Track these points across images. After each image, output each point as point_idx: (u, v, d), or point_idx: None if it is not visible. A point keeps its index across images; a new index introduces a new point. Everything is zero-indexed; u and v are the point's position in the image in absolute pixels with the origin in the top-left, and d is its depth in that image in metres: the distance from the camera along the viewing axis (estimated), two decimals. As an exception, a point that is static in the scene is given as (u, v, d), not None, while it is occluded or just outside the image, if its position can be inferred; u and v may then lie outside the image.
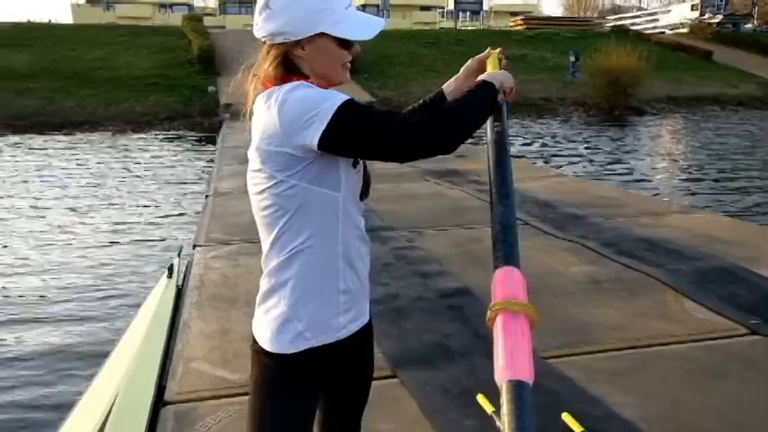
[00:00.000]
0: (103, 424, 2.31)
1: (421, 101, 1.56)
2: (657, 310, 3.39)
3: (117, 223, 7.50)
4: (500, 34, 33.81)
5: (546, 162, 12.18)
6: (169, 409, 2.46)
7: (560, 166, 11.47)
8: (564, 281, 3.91)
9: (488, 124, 1.33)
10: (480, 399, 2.26)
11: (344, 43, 1.26)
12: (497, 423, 2.09)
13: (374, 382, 2.48)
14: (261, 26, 1.24)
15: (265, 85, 1.25)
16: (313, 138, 1.15)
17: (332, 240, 1.26)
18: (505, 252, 1.07)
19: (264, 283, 1.30)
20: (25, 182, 10.35)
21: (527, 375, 0.91)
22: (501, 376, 0.91)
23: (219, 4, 44.96)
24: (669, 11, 43.79)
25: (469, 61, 1.54)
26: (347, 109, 1.16)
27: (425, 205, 6.30)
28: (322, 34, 1.23)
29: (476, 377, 2.58)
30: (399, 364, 2.76)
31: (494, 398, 2.14)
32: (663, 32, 37.13)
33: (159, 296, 3.73)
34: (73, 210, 8.28)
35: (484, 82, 1.35)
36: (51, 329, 4.29)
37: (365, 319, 1.39)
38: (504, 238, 1.09)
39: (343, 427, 1.51)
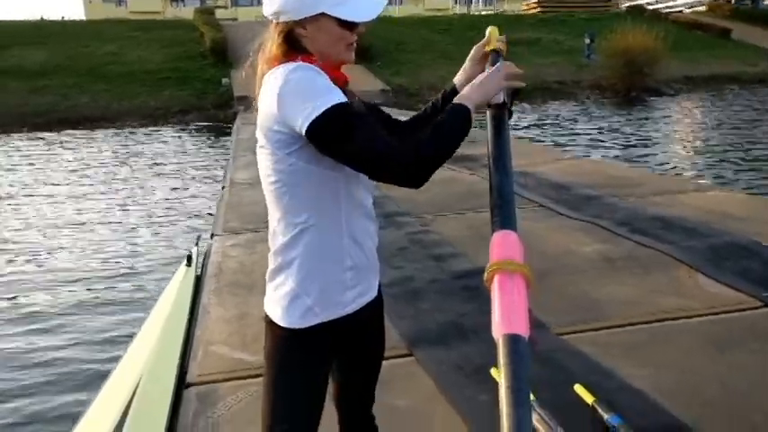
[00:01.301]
0: (129, 404, 2.40)
1: (430, 103, 1.55)
2: (671, 285, 3.39)
3: (135, 214, 7.64)
4: (513, 18, 33.42)
5: (561, 145, 12.09)
6: (191, 390, 2.54)
7: (576, 149, 11.39)
8: (577, 260, 3.92)
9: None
10: (494, 372, 2.32)
11: (347, 24, 1.27)
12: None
13: (391, 361, 2.58)
14: (267, 4, 1.29)
15: (272, 63, 1.28)
16: (302, 126, 1.17)
17: (335, 218, 1.29)
18: (503, 217, 1.11)
19: (273, 261, 1.35)
20: (45, 175, 10.55)
21: (523, 330, 0.94)
22: (498, 331, 0.95)
23: (230, -4, 45.00)
24: (686, -11, 42.88)
25: (473, 50, 1.51)
26: (340, 112, 1.17)
27: (440, 190, 6.31)
28: (323, 14, 1.25)
29: (490, 354, 2.60)
30: (415, 343, 2.81)
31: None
32: (680, 11, 36.41)
33: (179, 284, 3.82)
34: (92, 201, 8.44)
35: (460, 105, 1.27)
36: (74, 317, 4.43)
37: (373, 294, 1.43)
38: (502, 204, 1.13)
39: (356, 398, 1.56)
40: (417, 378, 2.54)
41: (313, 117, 1.15)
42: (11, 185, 9.94)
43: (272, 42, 1.29)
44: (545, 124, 15.69)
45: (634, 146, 11.93)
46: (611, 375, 2.46)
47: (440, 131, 1.21)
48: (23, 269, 5.68)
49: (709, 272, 3.53)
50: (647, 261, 3.81)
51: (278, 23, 1.28)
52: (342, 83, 1.30)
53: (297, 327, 1.31)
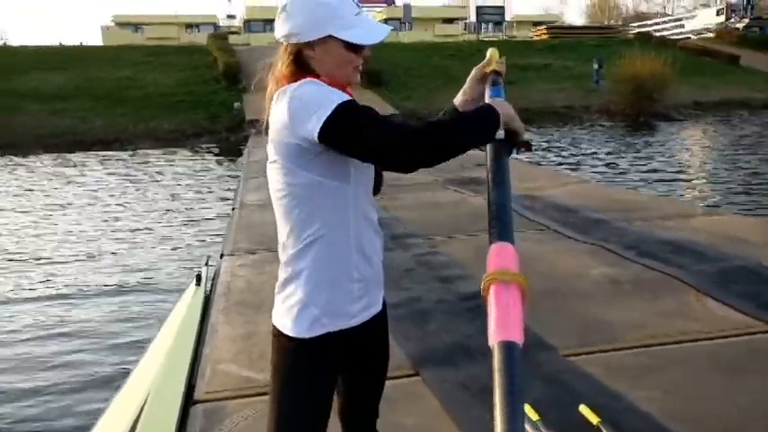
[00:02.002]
0: (136, 420, 2.42)
1: (435, 118, 1.57)
2: (678, 309, 3.38)
3: (146, 234, 7.73)
4: (522, 44, 33.79)
5: (569, 169, 12.12)
6: (198, 407, 2.55)
7: (583, 173, 11.41)
8: (584, 282, 3.92)
9: None
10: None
11: (353, 47, 1.33)
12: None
13: (397, 380, 2.60)
14: (279, 27, 1.35)
15: (281, 83, 1.34)
16: (314, 129, 1.22)
17: (344, 231, 1.33)
18: (500, 230, 1.14)
19: (282, 273, 1.38)
20: (58, 194, 10.71)
21: (517, 337, 0.97)
22: (493, 338, 0.97)
23: (244, 23, 45.90)
24: (694, 16, 43.21)
25: (473, 70, 1.52)
26: (349, 106, 1.23)
27: (447, 213, 6.35)
28: (331, 37, 1.31)
29: (495, 374, 2.62)
30: (421, 363, 2.81)
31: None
32: (688, 38, 36.65)
33: (188, 303, 3.85)
34: (106, 221, 8.55)
35: (489, 106, 1.31)
36: (84, 333, 4.49)
37: (378, 308, 1.46)
38: (499, 217, 1.17)
39: (361, 412, 1.58)
40: (423, 397, 2.54)
41: (324, 118, 1.21)
42: (28, 202, 10.09)
43: (281, 63, 1.35)
44: (553, 148, 15.74)
45: (642, 170, 11.94)
46: (617, 398, 2.45)
47: (458, 128, 1.27)
48: (34, 284, 5.75)
49: (717, 295, 3.52)
50: (654, 284, 3.80)
51: (288, 45, 1.34)
52: None
53: (304, 337, 1.34)
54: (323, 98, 1.24)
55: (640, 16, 59.28)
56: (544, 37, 36.60)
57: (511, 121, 1.29)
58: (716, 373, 2.65)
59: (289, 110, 1.26)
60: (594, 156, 14.17)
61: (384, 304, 1.51)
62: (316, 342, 1.35)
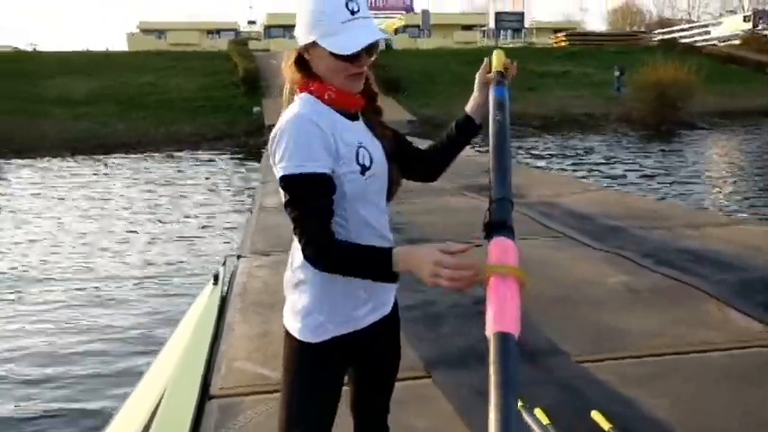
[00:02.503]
0: (153, 414, 2.46)
1: (444, 134, 1.56)
2: (697, 318, 3.34)
3: (165, 236, 7.85)
4: (541, 51, 33.69)
5: (588, 177, 12.04)
6: (214, 402, 2.59)
7: (602, 181, 11.32)
8: (600, 290, 3.90)
9: (490, 114, 1.40)
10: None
11: (340, 54, 1.28)
12: (525, 416, 2.14)
13: (409, 382, 2.61)
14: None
15: (292, 84, 1.37)
16: (276, 174, 1.30)
17: (342, 237, 1.34)
18: (501, 224, 1.15)
19: (291, 278, 1.42)
20: (81, 195, 10.91)
21: (513, 328, 0.98)
22: (489, 329, 0.99)
23: (264, 29, 46.39)
24: (720, 23, 42.58)
25: (477, 76, 1.50)
26: (285, 182, 1.28)
27: (463, 218, 6.33)
28: (317, 43, 1.29)
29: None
30: (433, 366, 2.83)
31: (522, 393, 2.20)
32: (714, 45, 36.16)
33: (205, 301, 3.91)
34: (130, 222, 8.71)
35: (384, 256, 1.25)
36: (105, 328, 4.60)
37: (387, 310, 1.48)
38: (500, 213, 1.18)
39: (371, 408, 1.60)
40: (435, 400, 2.55)
41: (279, 175, 1.28)
42: (54, 203, 10.30)
43: (288, 65, 1.37)
44: (571, 156, 15.66)
45: (663, 179, 11.81)
46: (630, 405, 2.44)
47: (349, 262, 1.27)
48: (58, 281, 5.87)
49: (739, 306, 3.47)
50: (673, 293, 3.77)
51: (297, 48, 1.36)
52: (353, 108, 1.37)
53: (310, 341, 1.38)
54: (289, 155, 1.27)
55: (664, 23, 58.56)
56: (563, 44, 36.42)
57: (411, 269, 1.22)
58: (734, 383, 2.62)
59: (272, 139, 1.30)
60: (614, 164, 14.05)
61: (395, 305, 1.53)
62: (321, 346, 1.38)
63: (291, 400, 1.40)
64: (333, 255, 1.27)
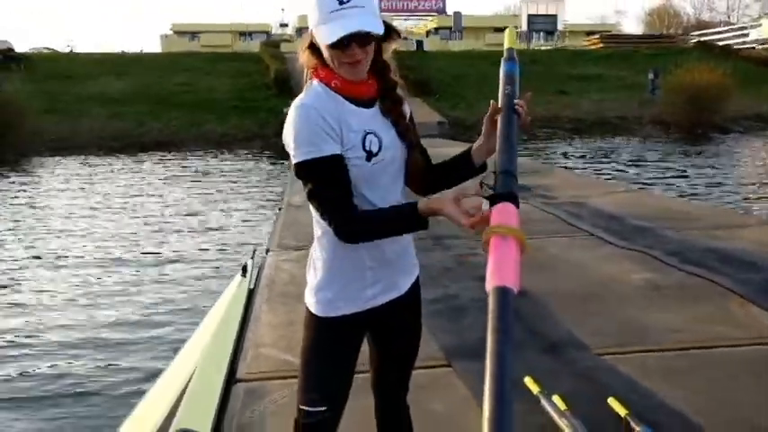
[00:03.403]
0: (181, 395, 2.57)
1: (451, 159, 1.53)
2: (720, 315, 3.32)
3: (198, 231, 8.06)
4: (574, 53, 33.30)
5: (619, 178, 11.88)
6: (240, 386, 2.69)
7: (634, 182, 11.17)
8: (624, 287, 3.89)
9: (500, 88, 1.44)
10: (528, 381, 2.36)
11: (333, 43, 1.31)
12: (542, 402, 2.18)
13: (429, 370, 2.67)
14: None
15: (307, 68, 1.43)
16: (292, 160, 1.37)
17: None
18: (504, 191, 1.20)
19: (310, 256, 1.52)
20: (119, 191, 11.24)
21: (511, 282, 1.02)
22: (488, 284, 1.03)
23: (296, 31, 46.89)
24: (759, 25, 41.42)
25: (485, 120, 1.44)
26: (304, 167, 1.34)
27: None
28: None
29: (527, 367, 2.65)
30: (453, 355, 2.88)
31: (541, 381, 2.23)
32: (752, 48, 35.21)
33: (233, 291, 4.03)
34: (161, 216, 8.96)
35: (413, 212, 1.33)
36: (138, 316, 4.79)
37: (400, 292, 1.53)
38: (504, 180, 1.23)
39: (390, 386, 1.68)
40: (454, 387, 2.60)
41: (294, 162, 1.36)
42: (90, 197, 10.64)
43: (300, 49, 1.43)
44: (602, 159, 15.47)
45: (695, 182, 11.59)
46: (649, 395, 2.45)
47: (377, 225, 1.37)
48: (93, 272, 6.08)
49: (763, 303, 3.43)
50: (697, 291, 3.74)
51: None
52: (360, 95, 1.40)
53: (322, 316, 1.47)
54: (298, 142, 1.33)
55: (702, 25, 57.11)
56: (598, 46, 35.92)
57: (441, 212, 1.30)
58: (755, 378, 2.60)
59: (285, 126, 1.37)
60: (645, 166, 13.84)
61: (414, 289, 1.58)
62: (332, 321, 1.46)
63: (309, 367, 1.49)
64: (359, 223, 1.35)
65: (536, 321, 3.30)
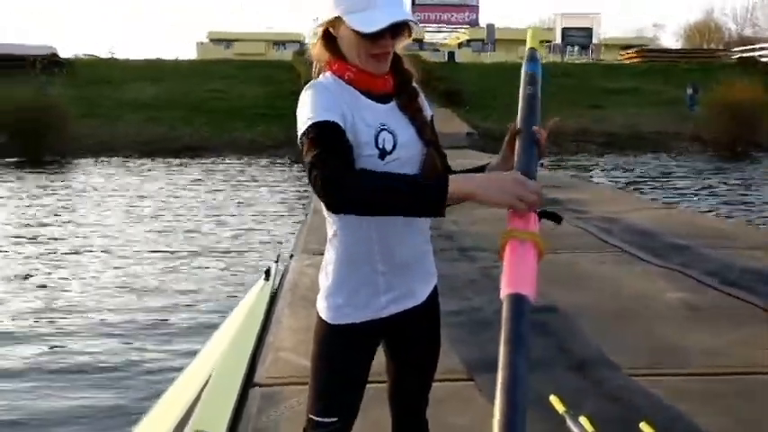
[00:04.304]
0: (198, 396, 2.54)
1: (466, 168, 1.46)
2: (761, 339, 3.15)
3: (225, 232, 8.15)
4: (609, 67, 32.85)
5: (654, 195, 11.60)
6: (257, 390, 2.65)
7: (669, 200, 10.89)
8: (658, 306, 3.74)
9: (521, 89, 1.35)
10: (553, 399, 2.25)
11: (363, 33, 1.23)
12: (568, 422, 2.08)
13: (450, 383, 2.59)
14: None
15: (318, 60, 1.36)
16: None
17: (363, 225, 1.32)
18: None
19: (324, 259, 1.44)
20: (149, 194, 11.43)
21: (528, 290, 0.96)
22: (503, 291, 0.96)
23: (329, 41, 47.32)
24: (804, 41, 40.16)
25: (504, 143, 1.36)
26: (309, 131, 1.20)
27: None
28: (341, 18, 1.26)
29: (553, 385, 2.54)
30: (475, 369, 2.78)
31: (568, 400, 2.13)
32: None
33: (256, 294, 4.01)
34: (189, 219, 9.06)
35: (439, 181, 1.13)
36: (159, 314, 4.85)
37: (417, 301, 1.43)
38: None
39: (407, 399, 1.58)
40: (475, 401, 2.51)
41: (300, 131, 1.23)
42: (127, 199, 10.85)
43: (312, 42, 1.37)
44: (637, 174, 15.14)
45: (734, 200, 11.23)
46: (683, 420, 2.32)
47: (379, 183, 1.14)
48: (120, 270, 6.16)
49: (807, 328, 3.25)
50: (736, 312, 3.57)
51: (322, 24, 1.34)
52: (376, 89, 1.32)
53: (331, 322, 1.39)
54: (306, 113, 1.24)
55: (745, 41, 55.67)
56: (635, 60, 35.33)
57: (476, 196, 1.13)
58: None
59: (297, 110, 1.28)
60: (681, 183, 13.49)
61: (432, 298, 1.49)
62: (342, 329, 1.38)
63: (316, 377, 1.42)
64: (355, 175, 1.16)
65: (564, 337, 3.19)
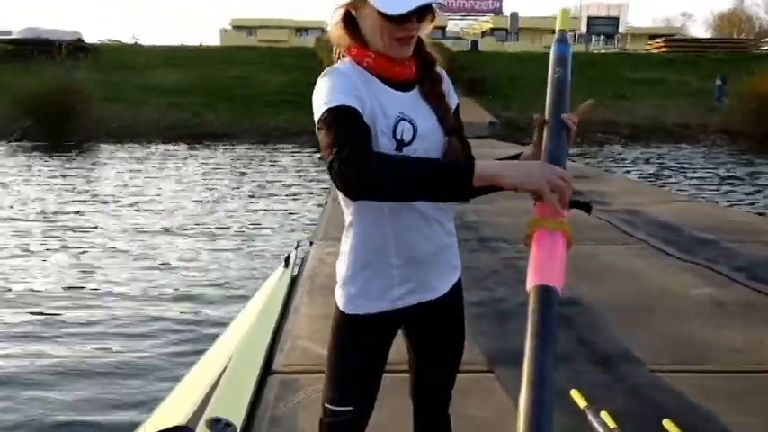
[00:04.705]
0: (216, 383, 2.54)
1: (497, 158, 1.38)
2: (792, 337, 3.06)
3: (245, 219, 8.19)
4: (635, 57, 32.21)
5: (678, 188, 11.38)
6: (275, 377, 2.65)
7: (695, 193, 10.67)
8: (684, 301, 3.66)
9: (549, 71, 1.29)
10: (574, 393, 2.21)
11: (388, 15, 1.18)
12: (590, 417, 2.03)
13: (471, 375, 2.55)
14: None
15: (337, 43, 1.31)
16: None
17: (378, 216, 1.28)
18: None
19: (341, 247, 1.41)
20: (174, 180, 11.53)
21: (556, 282, 0.92)
22: (530, 282, 0.93)
23: (352, 28, 47.12)
24: (838, 32, 38.98)
25: (534, 137, 1.26)
26: (326, 115, 1.15)
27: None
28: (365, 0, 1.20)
29: (575, 379, 2.50)
30: (495, 361, 2.75)
31: (589, 395, 2.09)
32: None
33: (275, 281, 4.01)
34: (209, 203, 9.15)
35: (467, 167, 1.07)
36: (179, 300, 4.90)
37: (434, 294, 1.39)
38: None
39: (428, 393, 1.55)
40: (495, 393, 2.48)
41: (317, 117, 1.18)
42: (149, 183, 10.97)
43: (331, 24, 1.31)
44: (661, 167, 14.88)
45: (761, 195, 10.96)
46: (709, 419, 2.26)
47: (404, 168, 1.09)
48: (140, 254, 6.22)
49: (839, 327, 3.15)
50: (764, 309, 3.48)
51: (341, 5, 1.29)
52: (396, 75, 1.27)
53: (345, 312, 1.37)
54: (322, 98, 1.19)
55: (778, 30, 54.15)
56: (662, 50, 34.59)
57: (503, 180, 1.07)
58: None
59: (313, 96, 1.23)
60: (708, 176, 13.21)
61: (455, 291, 1.45)
62: (356, 318, 1.36)
63: (332, 366, 1.40)
64: (378, 159, 1.09)
65: (587, 331, 3.13)
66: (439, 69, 1.36)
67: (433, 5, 1.22)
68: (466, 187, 1.07)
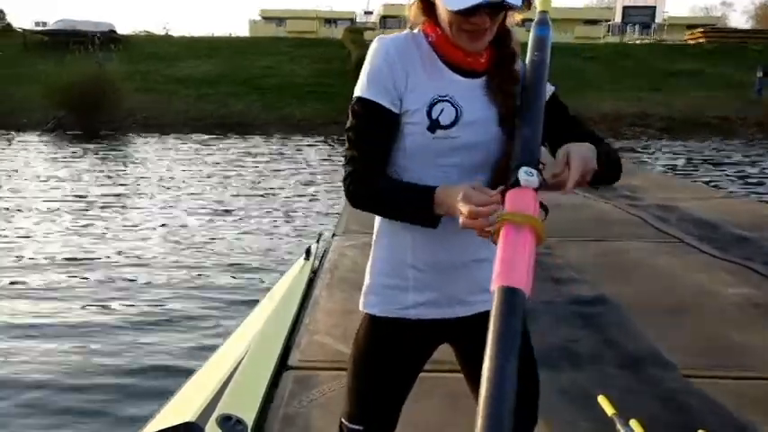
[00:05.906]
0: (230, 377, 2.49)
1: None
2: (837, 343, 2.88)
3: (268, 210, 8.19)
4: (672, 48, 31.28)
5: (715, 184, 11.00)
6: (290, 373, 2.59)
7: (733, 189, 10.30)
8: (720, 302, 3.49)
9: (528, 54, 1.22)
10: (601, 399, 2.09)
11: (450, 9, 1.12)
12: (618, 426, 1.91)
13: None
14: None
15: (412, 20, 1.24)
16: None
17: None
18: (518, 175, 1.01)
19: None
20: (204, 170, 11.63)
21: (522, 283, 0.86)
22: (494, 282, 0.87)
23: (380, 20, 46.93)
24: None
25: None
26: (354, 104, 1.20)
27: (568, 215, 5.99)
28: None
29: (602, 383, 2.39)
30: (518, 362, 2.64)
31: (617, 401, 1.97)
32: None
33: (295, 274, 3.96)
34: (233, 195, 9.18)
35: (427, 194, 1.12)
36: (199, 289, 4.88)
37: (464, 312, 1.27)
38: (529, 159, 1.04)
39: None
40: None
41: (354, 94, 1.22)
42: (177, 172, 11.08)
43: (409, 3, 1.24)
44: (696, 161, 14.42)
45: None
46: (746, 429, 2.12)
47: (384, 194, 1.19)
48: (163, 246, 6.26)
49: None
50: (807, 313, 3.29)
51: None
52: (458, 62, 1.18)
53: (365, 312, 1.31)
54: (361, 77, 1.21)
55: (822, 21, 52.03)
56: (700, 40, 33.53)
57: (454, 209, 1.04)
58: None
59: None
60: (746, 171, 12.76)
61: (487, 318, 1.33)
62: (376, 321, 1.29)
63: (355, 368, 1.32)
64: (371, 185, 1.19)
65: (615, 332, 3.00)
66: (518, 66, 1.24)
67: (505, 3, 1.09)
68: (426, 216, 1.13)
